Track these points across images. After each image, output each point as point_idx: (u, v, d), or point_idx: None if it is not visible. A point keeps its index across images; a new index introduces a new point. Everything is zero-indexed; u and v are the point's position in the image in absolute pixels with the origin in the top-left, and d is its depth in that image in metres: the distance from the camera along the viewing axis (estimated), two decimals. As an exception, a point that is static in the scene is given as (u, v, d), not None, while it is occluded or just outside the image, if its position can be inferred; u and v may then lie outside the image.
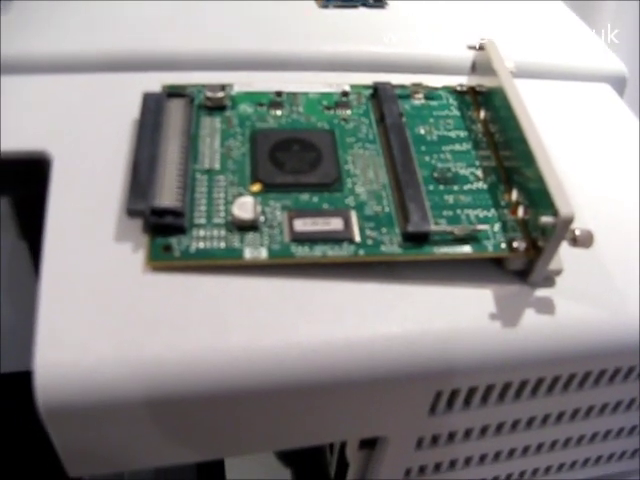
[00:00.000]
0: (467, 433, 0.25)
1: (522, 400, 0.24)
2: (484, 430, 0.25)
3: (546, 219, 0.20)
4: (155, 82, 0.26)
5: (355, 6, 0.33)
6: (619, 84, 0.33)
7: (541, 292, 0.22)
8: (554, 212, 0.20)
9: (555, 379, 0.23)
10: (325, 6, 0.33)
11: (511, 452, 0.27)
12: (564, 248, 0.21)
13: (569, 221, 0.20)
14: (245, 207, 0.21)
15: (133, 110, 0.25)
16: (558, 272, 0.22)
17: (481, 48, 0.27)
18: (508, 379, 0.23)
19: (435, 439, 0.25)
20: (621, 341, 0.23)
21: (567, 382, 0.24)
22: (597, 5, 0.63)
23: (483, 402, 0.23)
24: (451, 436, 0.25)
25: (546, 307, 0.22)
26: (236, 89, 0.26)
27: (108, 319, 0.20)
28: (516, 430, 0.25)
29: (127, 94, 0.25)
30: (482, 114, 0.27)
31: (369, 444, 0.25)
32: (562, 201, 0.20)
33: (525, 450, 0.27)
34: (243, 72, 0.28)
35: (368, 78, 0.28)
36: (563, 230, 0.21)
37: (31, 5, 0.30)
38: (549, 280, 0.23)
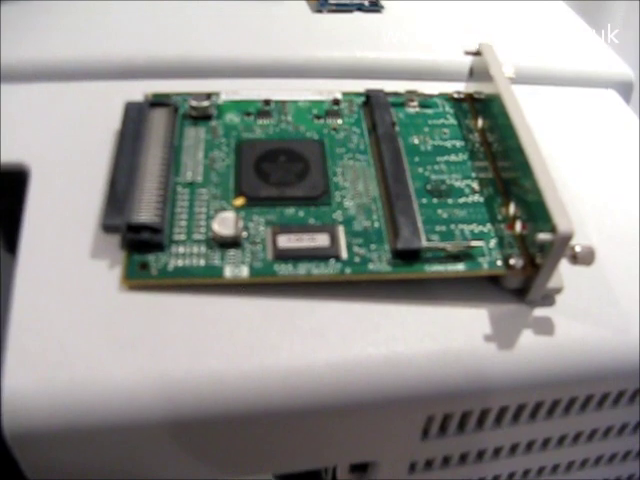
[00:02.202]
0: (463, 457, 0.24)
1: (520, 424, 0.22)
2: (481, 454, 0.24)
3: (543, 236, 0.19)
4: (140, 90, 0.25)
5: (350, 10, 0.32)
6: (625, 90, 0.31)
7: (540, 311, 0.21)
8: (552, 228, 0.19)
9: (555, 402, 0.22)
10: (319, 10, 0.32)
11: (511, 475, 0.26)
12: (565, 264, 0.20)
13: (568, 238, 0.19)
14: (226, 223, 0.20)
15: (116, 120, 0.24)
16: (558, 290, 0.21)
17: (478, 53, 0.25)
18: (505, 403, 0.21)
19: (429, 463, 0.23)
20: (625, 363, 0.21)
21: (568, 405, 0.22)
22: (604, 5, 0.61)
23: (479, 426, 0.22)
24: (446, 460, 0.24)
25: (545, 327, 0.21)
26: (223, 97, 0.25)
27: (81, 340, 0.19)
28: (515, 454, 0.24)
29: (110, 103, 0.25)
30: (480, 122, 0.25)
31: (361, 467, 0.24)
32: (561, 216, 0.19)
33: (526, 473, 0.26)
34: (231, 79, 0.27)
35: (362, 85, 0.27)
36: (561, 247, 0.19)
37: (10, 13, 0.29)
38: (548, 298, 0.21)
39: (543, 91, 0.30)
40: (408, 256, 0.21)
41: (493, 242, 0.21)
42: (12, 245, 0.31)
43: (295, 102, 0.26)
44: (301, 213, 0.22)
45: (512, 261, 0.21)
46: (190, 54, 0.28)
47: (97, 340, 0.19)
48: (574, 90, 0.31)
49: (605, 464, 0.27)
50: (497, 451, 0.24)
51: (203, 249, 0.20)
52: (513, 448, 0.24)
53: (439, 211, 0.22)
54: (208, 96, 0.25)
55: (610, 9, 0.61)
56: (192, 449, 0.20)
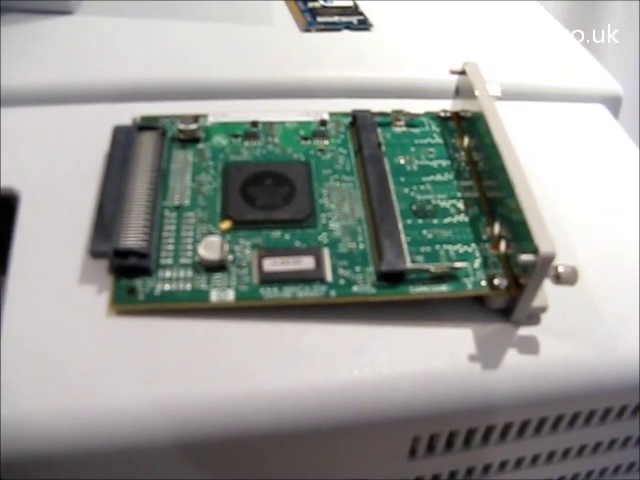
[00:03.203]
0: (452, 475, 0.24)
1: (508, 442, 0.22)
2: (470, 472, 0.24)
3: (526, 257, 0.19)
4: (128, 113, 0.25)
5: (338, 29, 0.32)
6: (614, 104, 0.31)
7: (525, 330, 0.21)
8: (534, 249, 0.19)
9: (542, 420, 0.22)
10: (307, 30, 0.32)
11: (502, 492, 0.26)
12: (550, 283, 0.20)
13: (550, 259, 0.19)
14: (212, 247, 0.21)
15: (105, 143, 0.24)
16: (543, 309, 0.21)
17: (463, 72, 0.26)
18: (491, 422, 0.21)
19: (419, 481, 0.24)
20: (611, 381, 0.21)
21: (555, 423, 0.22)
22: (604, 5, 0.61)
23: (466, 445, 0.22)
24: (435, 478, 0.24)
25: (530, 346, 0.21)
26: (211, 120, 0.26)
27: (69, 366, 0.19)
28: (505, 470, 0.24)
29: (99, 126, 0.25)
30: (466, 141, 0.26)
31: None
32: (543, 238, 0.20)
33: (517, 489, 0.26)
34: (220, 101, 0.27)
35: (350, 104, 0.27)
36: (544, 268, 0.20)
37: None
38: (534, 318, 0.22)
39: (531, 107, 0.31)
40: (392, 278, 0.21)
41: (477, 262, 0.22)
42: (5, 267, 0.31)
43: (282, 123, 0.26)
44: (287, 236, 0.22)
45: (496, 281, 0.21)
46: (179, 76, 0.28)
47: (85, 366, 0.19)
48: (562, 105, 0.31)
49: (596, 478, 0.27)
50: (486, 468, 0.24)
51: (190, 273, 0.21)
52: (502, 465, 0.24)
53: (424, 232, 0.22)
54: (196, 119, 0.25)
55: (610, 9, 0.61)
56: (179, 472, 0.20)
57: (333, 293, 0.20)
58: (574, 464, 0.25)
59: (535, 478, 0.26)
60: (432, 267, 0.21)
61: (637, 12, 0.61)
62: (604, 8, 0.62)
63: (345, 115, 0.26)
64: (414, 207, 0.23)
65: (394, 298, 0.21)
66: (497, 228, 0.22)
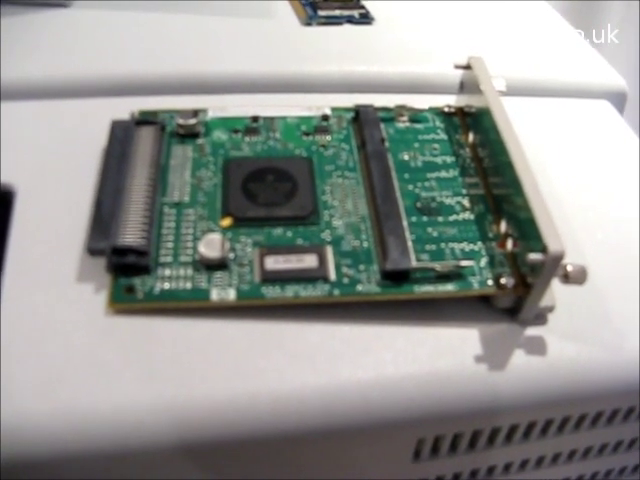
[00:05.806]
0: (456, 477, 0.23)
1: (513, 443, 0.22)
2: (474, 474, 0.23)
3: (534, 256, 0.19)
4: (127, 107, 0.25)
5: (340, 23, 0.32)
6: (619, 100, 0.31)
7: (532, 331, 0.21)
8: (543, 248, 0.19)
9: (548, 422, 0.22)
10: (308, 24, 0.32)
11: (506, 494, 0.25)
12: (557, 281, 0.20)
13: (559, 258, 0.19)
14: (212, 245, 0.20)
15: (103, 138, 0.24)
16: (550, 309, 0.21)
17: (468, 67, 0.25)
18: (497, 424, 0.21)
19: (423, 483, 0.23)
20: (618, 381, 0.21)
21: (561, 424, 0.22)
22: (604, 5, 0.61)
23: (471, 447, 0.22)
24: (439, 480, 0.23)
25: (537, 347, 0.21)
26: (210, 114, 0.25)
27: (66, 366, 0.19)
28: (509, 472, 0.24)
29: (97, 121, 0.24)
30: (471, 137, 0.25)
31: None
32: (552, 236, 0.19)
33: (520, 490, 0.26)
34: (219, 95, 0.27)
35: (352, 99, 0.26)
36: (552, 267, 0.19)
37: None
38: (541, 318, 0.21)
39: (536, 102, 0.30)
40: (397, 277, 0.20)
41: (484, 261, 0.21)
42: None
43: (284, 118, 0.25)
44: (289, 233, 0.21)
45: (503, 280, 0.20)
46: (178, 70, 0.27)
47: (82, 366, 0.19)
48: (567, 101, 0.31)
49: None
50: (490, 470, 0.24)
51: (190, 271, 0.20)
52: (507, 467, 0.24)
53: (429, 229, 0.22)
54: (195, 113, 0.24)
55: (610, 9, 0.61)
56: (179, 474, 0.20)
57: (337, 292, 0.20)
58: (579, 466, 0.25)
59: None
60: (438, 266, 0.20)
61: (637, 12, 0.61)
62: (604, 8, 0.62)
63: (347, 110, 0.26)
64: (419, 204, 0.23)
65: (399, 297, 0.20)
66: (504, 226, 0.22)
